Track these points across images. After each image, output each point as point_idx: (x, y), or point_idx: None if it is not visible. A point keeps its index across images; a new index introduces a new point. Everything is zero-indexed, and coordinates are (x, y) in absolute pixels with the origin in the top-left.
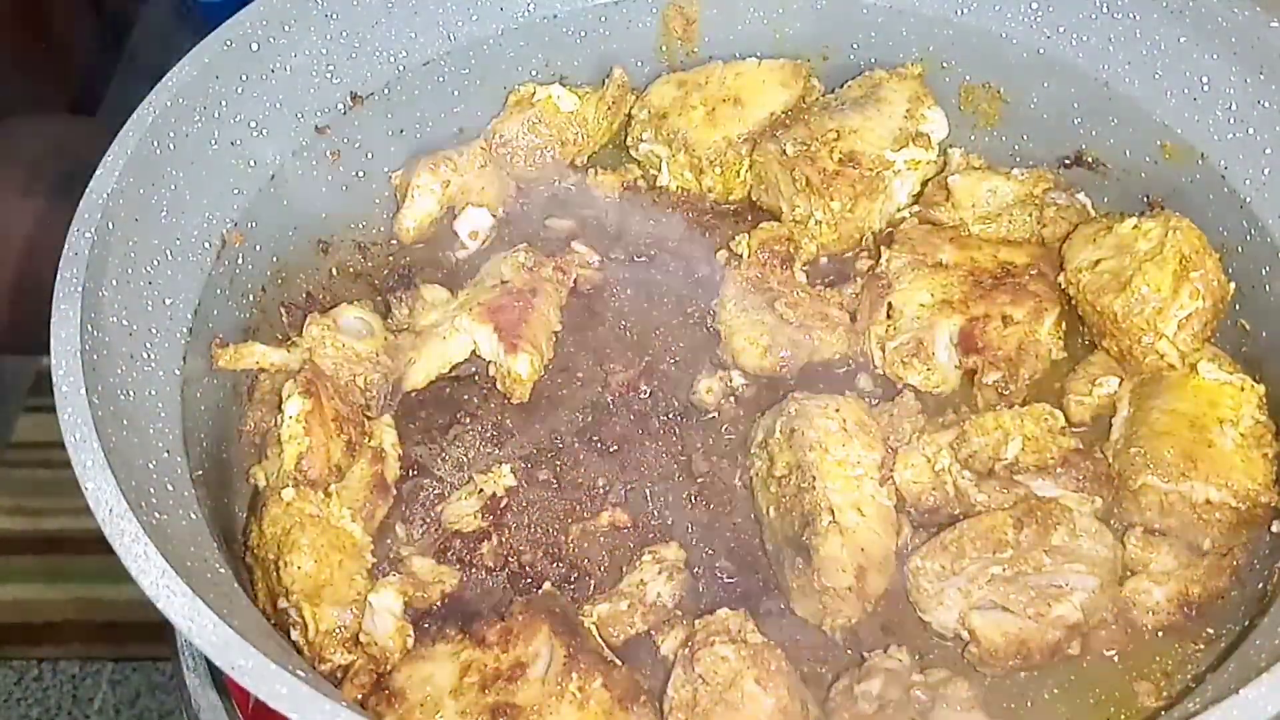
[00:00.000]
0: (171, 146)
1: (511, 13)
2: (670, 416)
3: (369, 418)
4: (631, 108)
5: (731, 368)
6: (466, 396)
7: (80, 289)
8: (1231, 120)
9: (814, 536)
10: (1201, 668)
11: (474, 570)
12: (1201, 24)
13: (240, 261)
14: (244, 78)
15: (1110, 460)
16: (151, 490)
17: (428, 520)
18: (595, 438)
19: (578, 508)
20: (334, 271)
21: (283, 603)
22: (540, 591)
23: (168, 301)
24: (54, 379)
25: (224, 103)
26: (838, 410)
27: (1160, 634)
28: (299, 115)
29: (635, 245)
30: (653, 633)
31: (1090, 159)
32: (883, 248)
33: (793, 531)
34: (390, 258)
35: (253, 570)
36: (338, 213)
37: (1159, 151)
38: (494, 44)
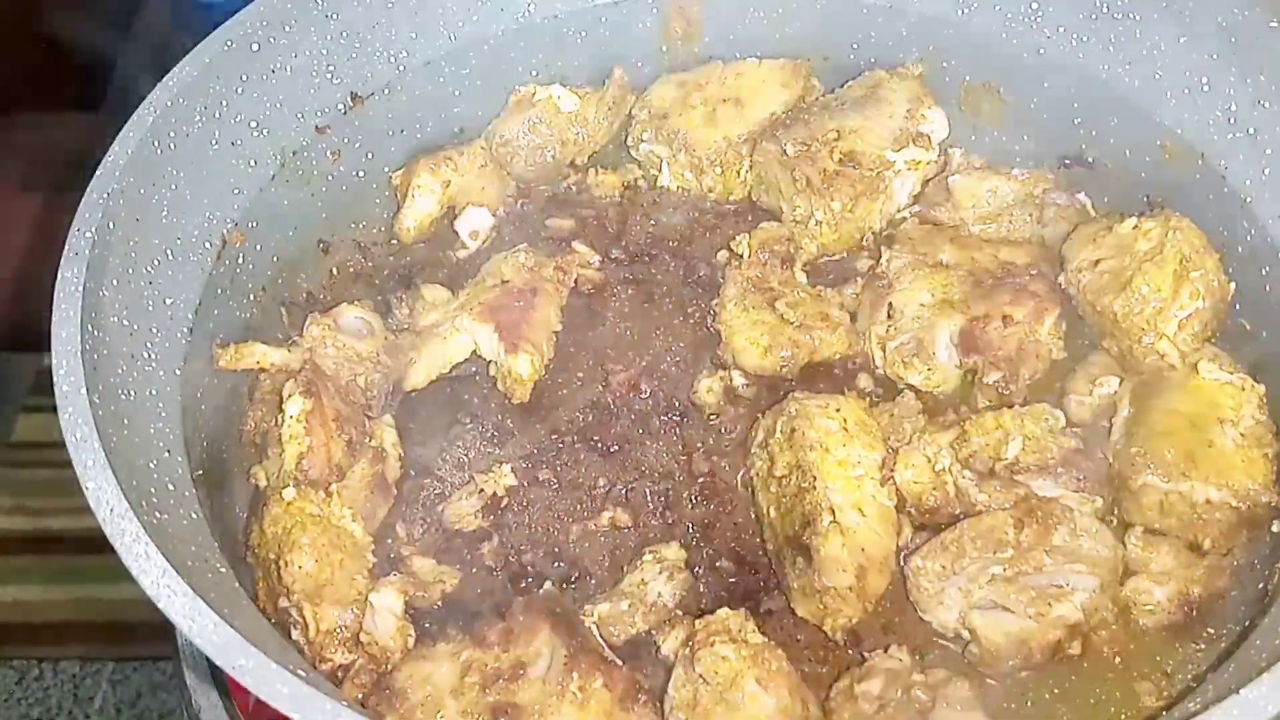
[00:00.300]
0: (172, 146)
1: (512, 13)
2: (670, 416)
3: (370, 418)
4: (632, 108)
5: (731, 368)
6: (467, 396)
7: (80, 289)
8: (1231, 120)
9: (814, 536)
10: (1201, 668)
11: (474, 570)
12: (1201, 24)
13: (240, 261)
14: (244, 78)
15: (1110, 460)
16: (152, 490)
17: (428, 520)
18: (595, 438)
19: (578, 508)
20: (334, 271)
21: (283, 602)
22: (540, 591)
23: (168, 301)
24: (54, 379)
25: (224, 103)
26: (838, 410)
27: (1160, 634)
28: (299, 115)
29: (635, 245)
30: (653, 633)
31: (1090, 159)
32: (883, 248)
33: (793, 531)
34: (390, 258)
35: (253, 570)
36: (338, 213)
37: (1159, 151)
38: (494, 44)
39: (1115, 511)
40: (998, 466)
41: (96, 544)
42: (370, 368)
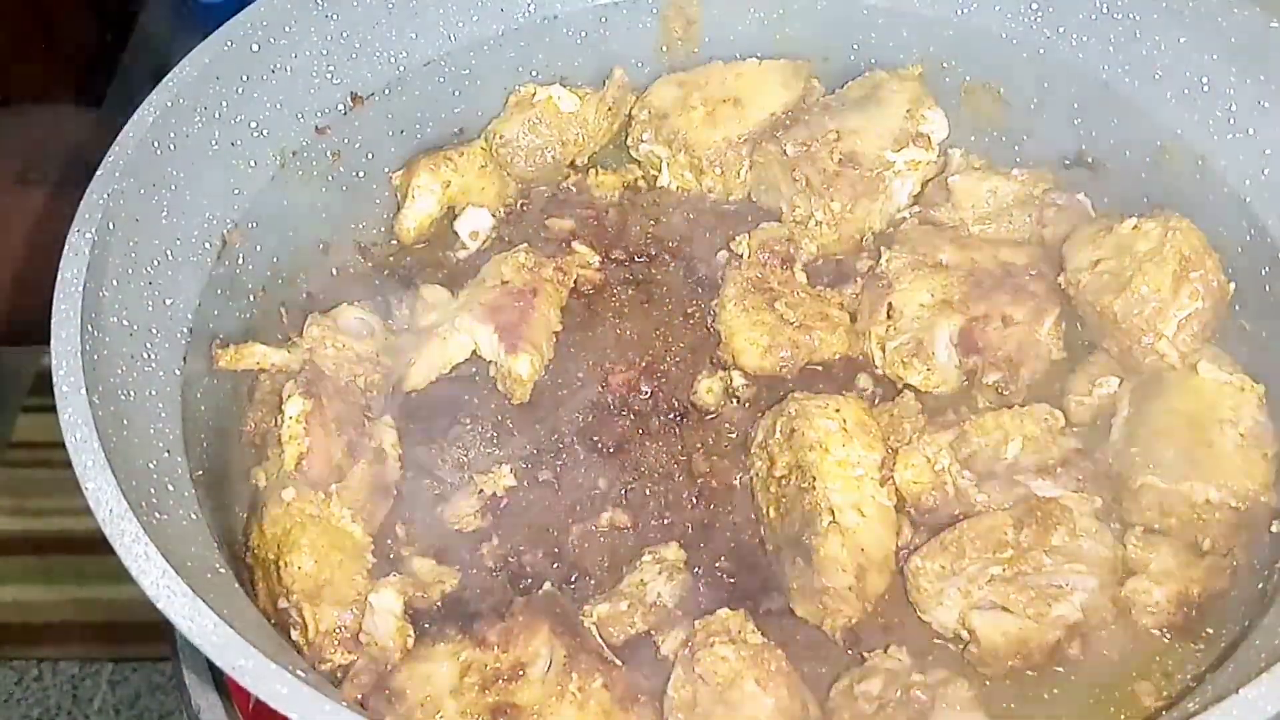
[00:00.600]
0: (172, 146)
1: (512, 13)
2: (670, 416)
3: (369, 418)
4: (632, 108)
5: (731, 368)
6: (466, 397)
7: (80, 289)
8: (1231, 120)
9: (814, 536)
10: (1201, 668)
11: (474, 570)
12: (1201, 24)
13: (240, 261)
14: (244, 78)
15: (1110, 460)
16: (152, 490)
17: (428, 520)
18: (595, 438)
19: (578, 508)
20: (334, 271)
21: (283, 603)
22: (540, 591)
23: (168, 301)
24: (54, 379)
25: (224, 103)
26: (838, 410)
27: (1160, 634)
28: (299, 115)
29: (635, 245)
30: (653, 633)
31: (1090, 159)
32: (883, 248)
33: (793, 531)
34: (390, 258)
35: (253, 570)
36: (338, 213)
37: (1159, 151)
38: (494, 44)
39: (1115, 511)
40: (998, 466)
41: (96, 544)
42: (370, 368)
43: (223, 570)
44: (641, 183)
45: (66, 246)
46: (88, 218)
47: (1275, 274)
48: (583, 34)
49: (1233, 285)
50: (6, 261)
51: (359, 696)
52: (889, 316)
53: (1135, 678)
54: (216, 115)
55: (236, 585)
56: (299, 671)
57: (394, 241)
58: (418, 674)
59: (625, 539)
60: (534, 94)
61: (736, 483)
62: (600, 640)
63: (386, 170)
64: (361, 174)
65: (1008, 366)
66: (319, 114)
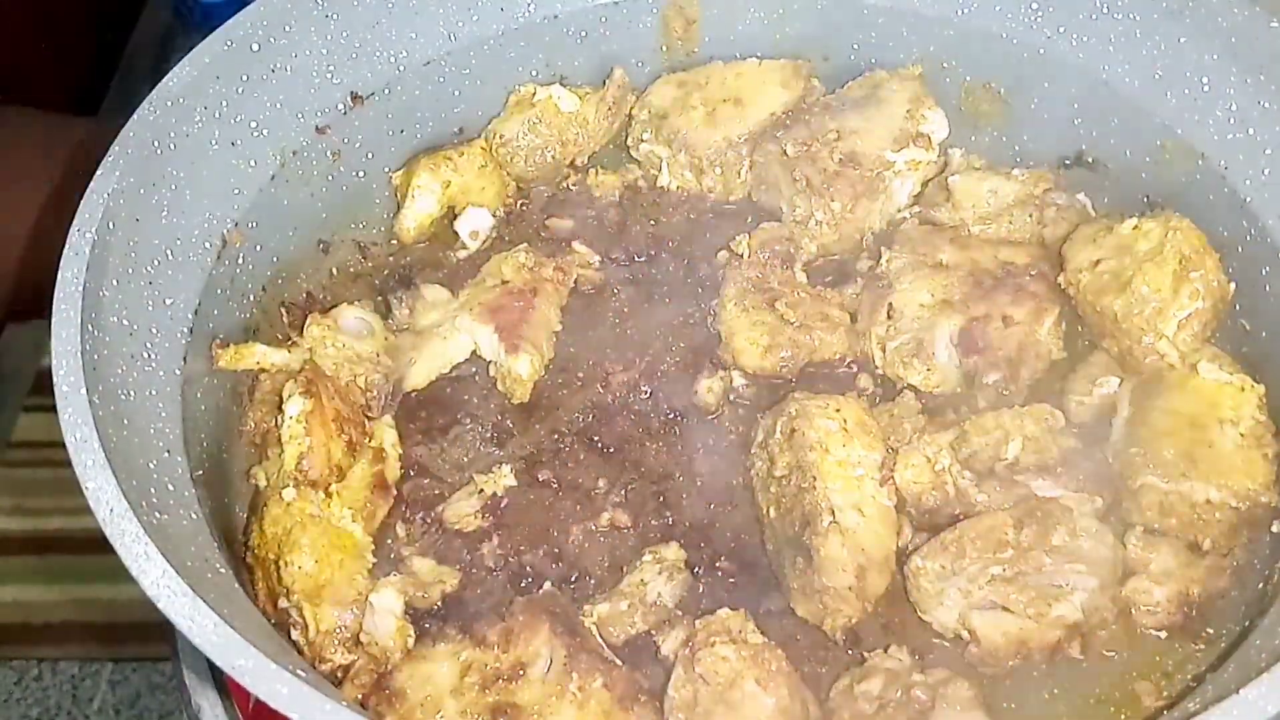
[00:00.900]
0: (171, 146)
1: (512, 13)
2: (670, 416)
3: (369, 418)
4: (632, 108)
5: (731, 368)
6: (467, 396)
7: (80, 289)
8: (1231, 120)
9: (814, 536)
10: (1201, 668)
11: (474, 570)
12: (1201, 24)
13: (240, 261)
14: (244, 78)
15: (1110, 460)
16: (152, 490)
17: (428, 520)
18: (595, 438)
19: (578, 508)
20: (334, 271)
21: (283, 603)
22: (540, 591)
23: (168, 301)
24: (54, 379)
25: (224, 103)
26: (838, 410)
27: (1160, 634)
28: (299, 115)
29: (635, 245)
30: (653, 633)
31: (1090, 159)
32: (883, 248)
33: (793, 532)
34: (390, 258)
35: (253, 570)
36: (338, 213)
37: (1159, 151)
38: (494, 44)
39: (1115, 511)
40: (998, 466)
41: (96, 544)
42: (370, 368)
43: (223, 570)
44: (641, 183)
45: (66, 246)
46: (88, 217)
47: (1275, 274)
48: (583, 34)
49: (1233, 285)
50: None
51: (359, 696)
52: (889, 316)
53: (1135, 678)
54: (216, 115)
55: (236, 585)
56: (299, 671)
57: (394, 241)
58: (418, 674)
59: (625, 539)
60: (534, 94)
61: (736, 483)
62: (600, 640)
63: (386, 170)
64: (361, 174)
65: (1008, 366)
66: (319, 114)
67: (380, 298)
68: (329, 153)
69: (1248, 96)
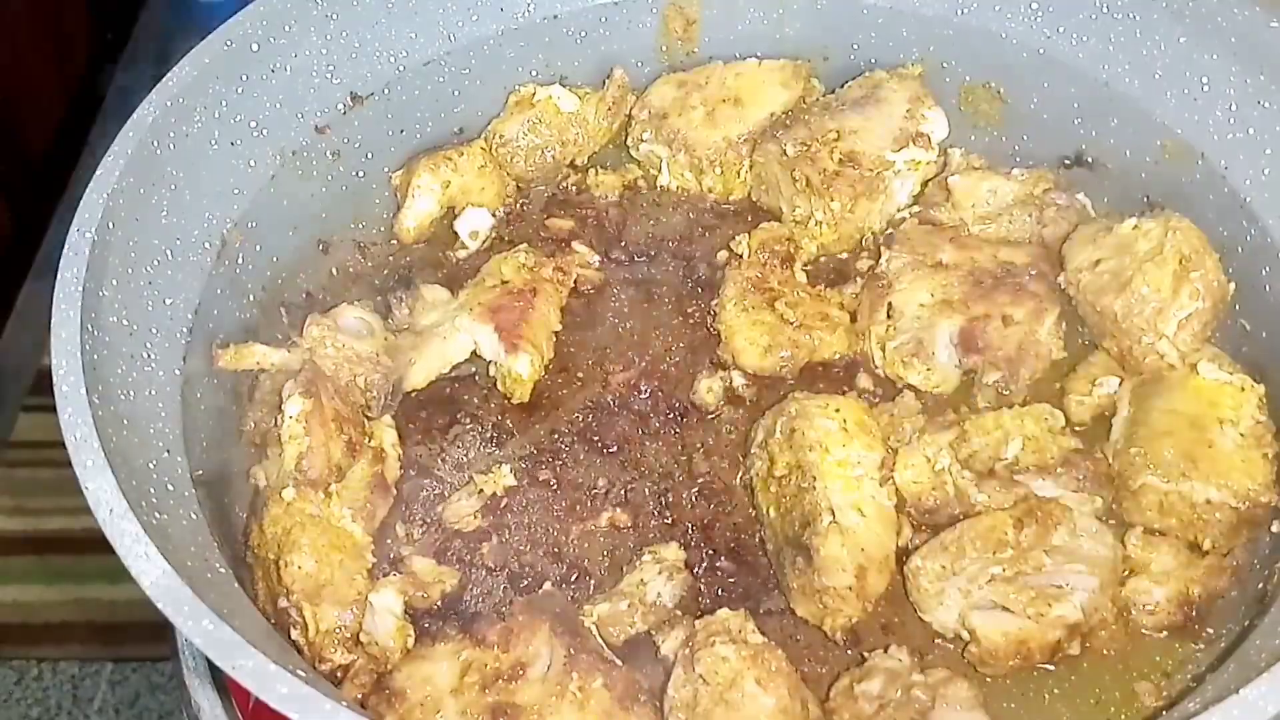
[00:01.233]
0: (171, 146)
1: (511, 13)
2: (670, 416)
3: (369, 418)
4: (632, 108)
5: (731, 368)
6: (466, 396)
7: (80, 289)
8: (1231, 120)
9: (814, 536)
10: (1201, 668)
11: (474, 570)
12: (1201, 24)
13: (240, 261)
14: (244, 78)
15: (1110, 460)
16: (151, 490)
17: (428, 520)
18: (595, 438)
19: (578, 508)
20: (334, 271)
21: (283, 602)
22: (540, 591)
23: (168, 301)
24: (54, 379)
25: (224, 103)
26: (838, 410)
27: (1160, 634)
28: (299, 115)
29: (635, 245)
30: (653, 633)
31: (1090, 159)
32: (883, 248)
33: (793, 531)
34: (390, 258)
35: (253, 570)
36: (338, 213)
37: (1159, 151)
38: (494, 44)
39: (1115, 511)
40: (998, 466)
41: (96, 544)
42: (370, 368)
43: (223, 570)
44: (641, 183)
45: (66, 246)
46: (88, 217)
47: (1275, 274)
48: (583, 34)
49: (1233, 285)
50: None
51: (359, 696)
52: (889, 316)
53: (1135, 678)
54: (216, 115)
55: (236, 585)
56: (299, 671)
57: (394, 241)
58: (418, 674)
59: (625, 539)
60: (534, 94)
61: (736, 483)
62: (600, 640)
63: (386, 170)
64: (361, 174)
65: (1008, 366)
66: (319, 114)
67: (380, 298)
68: (329, 153)
69: (1248, 96)
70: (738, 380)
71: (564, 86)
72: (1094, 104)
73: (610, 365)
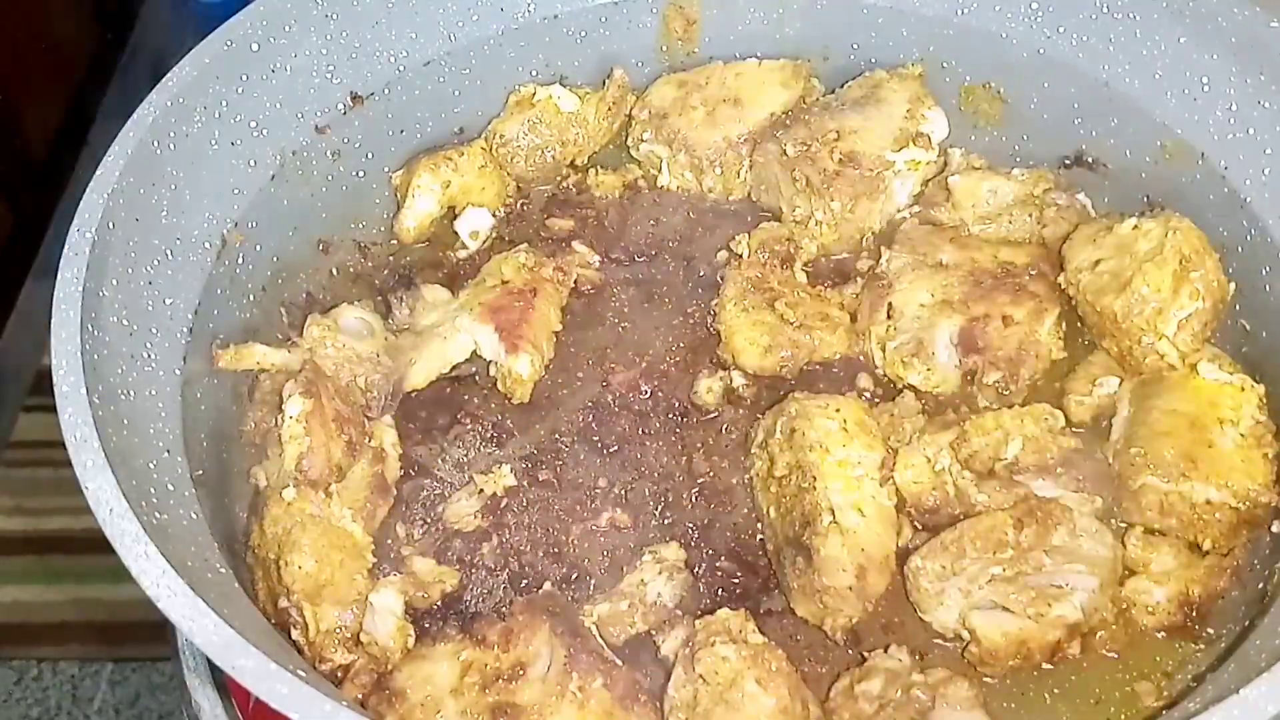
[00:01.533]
0: (171, 146)
1: (511, 13)
2: (670, 416)
3: (369, 418)
4: (632, 108)
5: (731, 368)
6: (467, 396)
7: (80, 289)
8: (1231, 120)
9: (814, 536)
10: (1201, 668)
11: (474, 570)
12: (1201, 24)
13: (240, 261)
14: (244, 78)
15: (1110, 460)
16: (152, 490)
17: (428, 520)
18: (595, 438)
19: (578, 508)
20: (334, 271)
21: (283, 602)
22: (540, 591)
23: (168, 301)
24: (54, 379)
25: (224, 103)
26: (838, 410)
27: (1160, 634)
28: (299, 115)
29: (635, 245)
30: (653, 633)
31: (1090, 159)
32: (883, 248)
33: (793, 531)
34: (390, 258)
35: (253, 570)
36: (338, 213)
37: (1159, 151)
38: (494, 44)
39: (1115, 511)
40: (998, 466)
41: (96, 544)
42: (370, 368)
43: (223, 570)
44: (641, 183)
45: (66, 246)
46: (88, 217)
47: (1275, 274)
48: (583, 34)
49: (1233, 285)
50: None
51: (359, 696)
52: (889, 316)
53: (1135, 678)
54: (216, 115)
55: (236, 585)
56: (299, 671)
57: (394, 241)
58: (418, 674)
59: (625, 539)
60: (534, 94)
61: (736, 483)
62: (600, 640)
63: (386, 170)
64: (361, 174)
65: (1008, 366)
66: (319, 114)
67: (380, 298)
68: (329, 153)
69: (1248, 96)
70: (738, 380)
71: (564, 86)
72: (1094, 104)
73: (610, 365)
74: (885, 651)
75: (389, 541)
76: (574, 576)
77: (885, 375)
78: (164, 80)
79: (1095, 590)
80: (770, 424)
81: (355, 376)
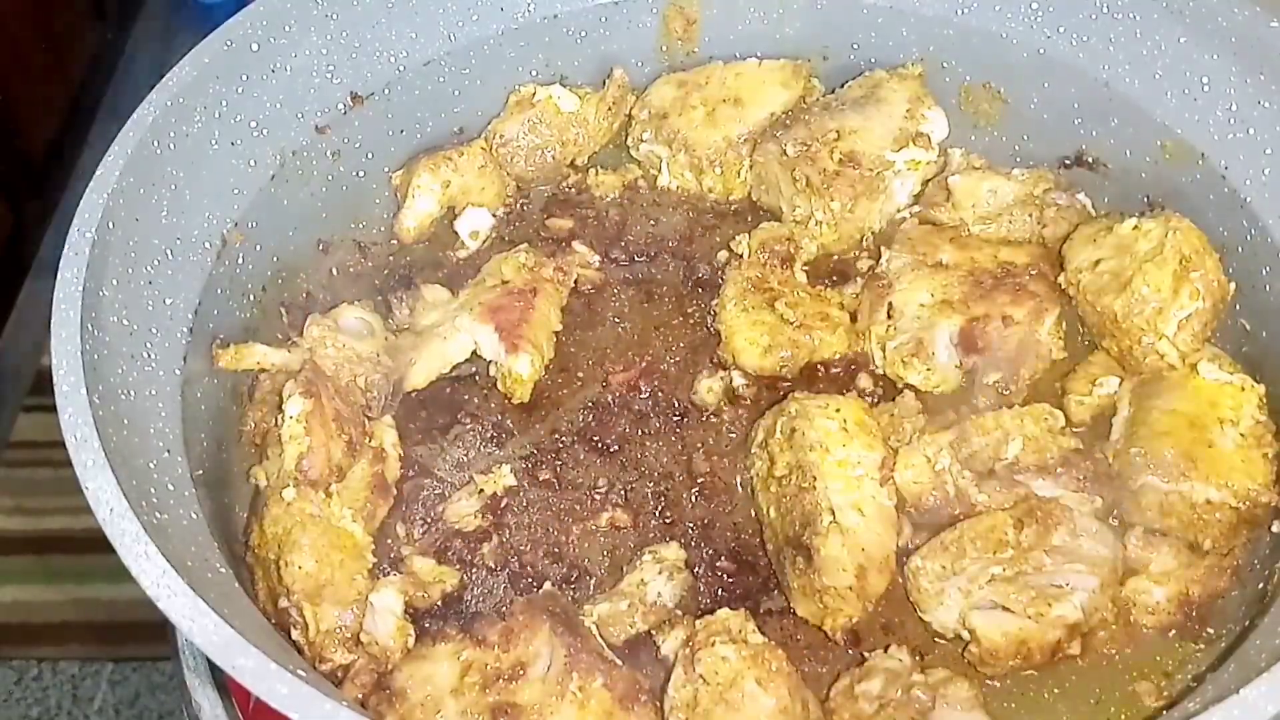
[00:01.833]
0: (171, 146)
1: (511, 13)
2: (670, 416)
3: (370, 418)
4: (632, 108)
5: (731, 368)
6: (467, 396)
7: (80, 289)
8: (1231, 120)
9: (814, 536)
10: (1201, 668)
11: (474, 570)
12: (1201, 24)
13: (240, 261)
14: (244, 78)
15: (1110, 460)
16: (152, 490)
17: (428, 520)
18: (595, 438)
19: (578, 508)
20: (334, 271)
21: (283, 602)
22: (540, 591)
23: (168, 301)
24: (54, 379)
25: (224, 103)
26: (838, 410)
27: (1160, 634)
28: (299, 115)
29: (635, 245)
30: (653, 633)
31: (1090, 159)
32: (883, 248)
33: (793, 531)
34: (390, 258)
35: (253, 570)
36: (338, 213)
37: (1159, 151)
38: (494, 44)
39: (1115, 511)
40: (998, 466)
41: (96, 544)
42: (370, 368)
43: (223, 570)
44: (641, 183)
45: (66, 246)
46: (88, 217)
47: (1275, 274)
48: (583, 34)
49: (1233, 285)
50: None
51: (359, 696)
52: (889, 316)
53: (1135, 678)
54: (216, 115)
55: (236, 585)
56: (299, 671)
57: (394, 241)
58: (418, 674)
59: (625, 539)
60: (534, 94)
61: (736, 483)
62: (600, 640)
63: (386, 170)
64: (361, 174)
65: (1008, 366)
66: (319, 114)
67: (380, 298)
68: (329, 153)
69: (1248, 96)
70: (738, 380)
71: (564, 86)
72: (1094, 104)
73: (610, 365)
74: (885, 651)
75: (389, 541)
76: (574, 576)
77: (885, 375)
78: (164, 80)
79: (1095, 590)
80: (770, 424)
81: (355, 376)
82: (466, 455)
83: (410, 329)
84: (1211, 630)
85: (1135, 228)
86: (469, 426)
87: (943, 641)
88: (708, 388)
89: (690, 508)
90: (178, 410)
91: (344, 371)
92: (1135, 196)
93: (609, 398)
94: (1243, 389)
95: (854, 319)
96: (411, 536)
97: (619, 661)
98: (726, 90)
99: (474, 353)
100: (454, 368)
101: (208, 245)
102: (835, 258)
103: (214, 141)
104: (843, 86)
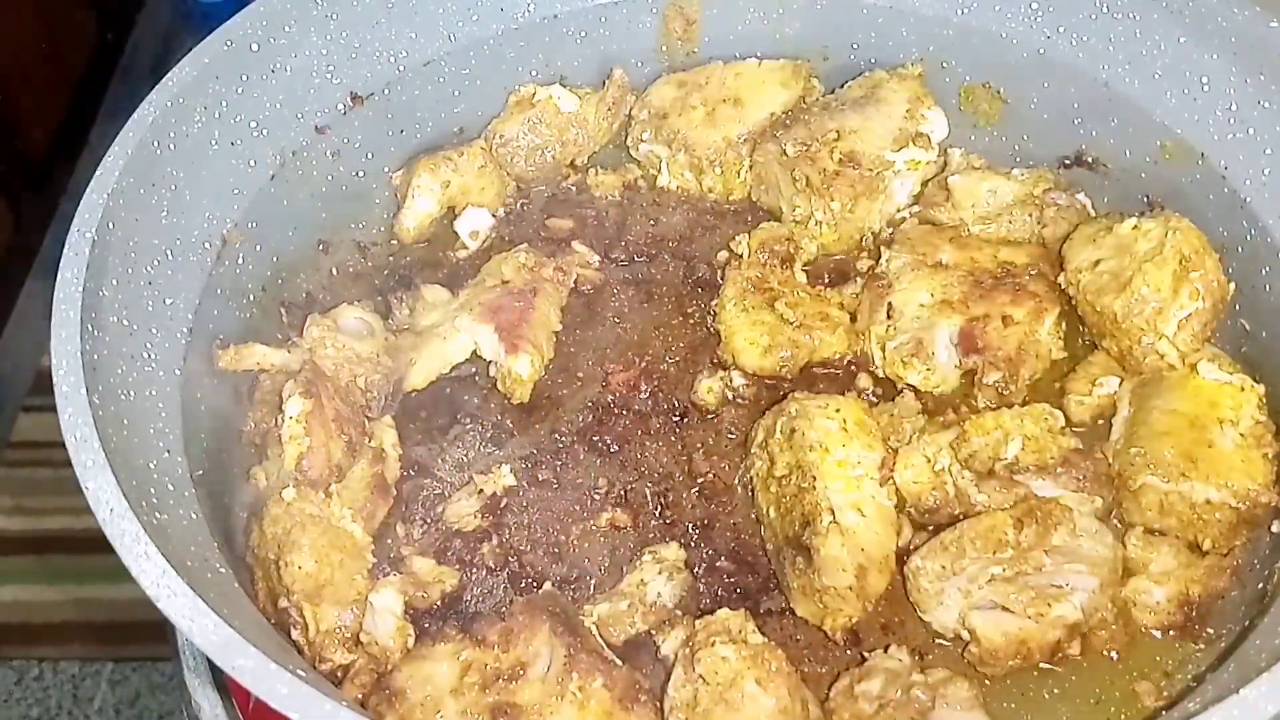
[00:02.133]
0: (171, 146)
1: (511, 13)
2: (670, 416)
3: (369, 418)
4: (632, 108)
5: (731, 368)
6: (466, 396)
7: (80, 289)
8: (1231, 120)
9: (814, 536)
10: (1201, 668)
11: (474, 570)
12: (1201, 24)
13: (240, 261)
14: (244, 78)
15: (1110, 460)
16: (152, 490)
17: (428, 520)
18: (595, 438)
19: (578, 508)
20: (334, 271)
21: (283, 602)
22: (540, 591)
23: (168, 301)
24: (54, 379)
25: (224, 103)
26: (838, 410)
27: (1160, 634)
28: (299, 115)
29: (635, 245)
30: (653, 633)
31: (1090, 159)
32: (883, 248)
33: (793, 531)
34: (390, 258)
35: (253, 570)
36: (338, 213)
37: (1159, 151)
38: (494, 44)
39: (1115, 511)
40: (998, 466)
41: (96, 544)
42: (370, 368)
43: (223, 570)
44: (641, 183)
45: (66, 246)
46: (88, 217)
47: (1275, 274)
48: (583, 34)
49: (1232, 285)
50: None
51: (359, 696)
52: (889, 316)
53: (1135, 678)
54: (216, 115)
55: (236, 585)
56: (299, 671)
57: (394, 241)
58: (418, 674)
59: (625, 539)
60: (534, 94)
61: (736, 483)
62: (600, 640)
63: (386, 170)
64: (361, 174)
65: (1008, 366)
66: (319, 114)
67: (380, 298)
68: (329, 153)
69: (1248, 96)
70: (738, 380)
71: (564, 86)
72: (1094, 104)
73: (610, 365)
74: (885, 651)
75: (389, 541)
76: (574, 576)
77: (885, 375)
78: (164, 80)
79: (1095, 590)
80: (770, 424)
81: (355, 376)
82: (466, 455)
83: (410, 329)
84: (1211, 630)
85: (1135, 228)
86: (469, 427)
87: (943, 641)
88: (708, 388)
89: (690, 508)
90: (178, 410)
91: (344, 372)
92: (1135, 196)
93: (609, 398)
94: (1242, 389)
95: (854, 319)
96: (411, 536)
97: (619, 661)
98: (726, 90)
99: (474, 353)
100: (454, 368)
101: (207, 245)
102: (835, 258)
103: (214, 141)
104: (843, 86)
